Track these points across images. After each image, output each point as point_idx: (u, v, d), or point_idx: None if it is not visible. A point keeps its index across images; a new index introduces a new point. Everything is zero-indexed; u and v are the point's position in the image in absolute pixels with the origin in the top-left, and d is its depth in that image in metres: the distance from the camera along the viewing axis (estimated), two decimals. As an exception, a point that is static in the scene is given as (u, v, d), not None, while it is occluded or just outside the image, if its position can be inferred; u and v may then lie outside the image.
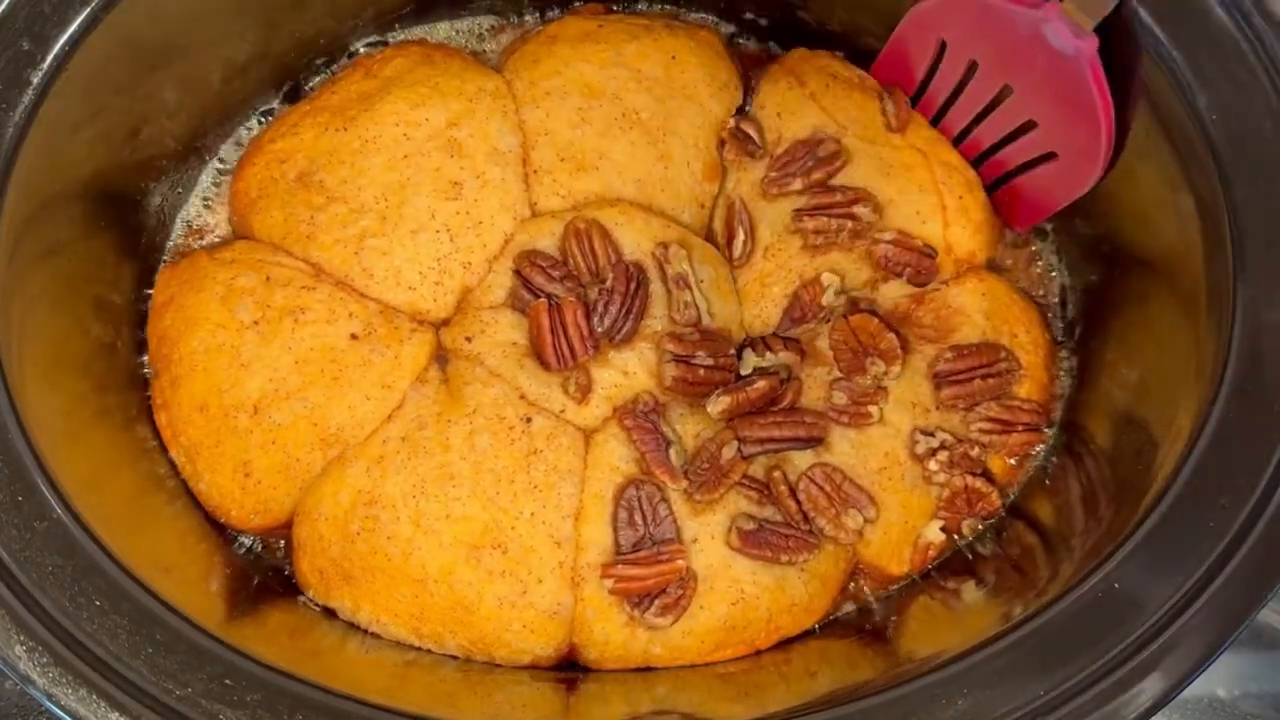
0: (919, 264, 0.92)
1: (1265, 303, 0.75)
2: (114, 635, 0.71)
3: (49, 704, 0.68)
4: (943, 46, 0.91)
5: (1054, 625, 0.72)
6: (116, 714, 0.68)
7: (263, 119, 0.99)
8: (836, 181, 0.94)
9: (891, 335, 0.90)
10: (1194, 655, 0.70)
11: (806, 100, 0.97)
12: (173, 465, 0.89)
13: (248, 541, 0.90)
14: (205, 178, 0.98)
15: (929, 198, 0.94)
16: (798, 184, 0.94)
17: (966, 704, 0.71)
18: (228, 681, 0.71)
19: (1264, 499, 0.72)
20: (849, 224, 0.92)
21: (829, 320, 0.92)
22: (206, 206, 0.97)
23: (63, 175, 0.83)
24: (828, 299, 0.91)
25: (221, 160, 0.98)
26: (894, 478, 0.88)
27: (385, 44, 1.01)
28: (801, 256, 0.93)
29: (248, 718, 0.70)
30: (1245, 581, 0.70)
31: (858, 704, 0.72)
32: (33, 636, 0.69)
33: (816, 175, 0.94)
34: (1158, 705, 0.69)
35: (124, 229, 0.91)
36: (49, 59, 0.79)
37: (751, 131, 0.96)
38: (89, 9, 0.80)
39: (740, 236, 0.94)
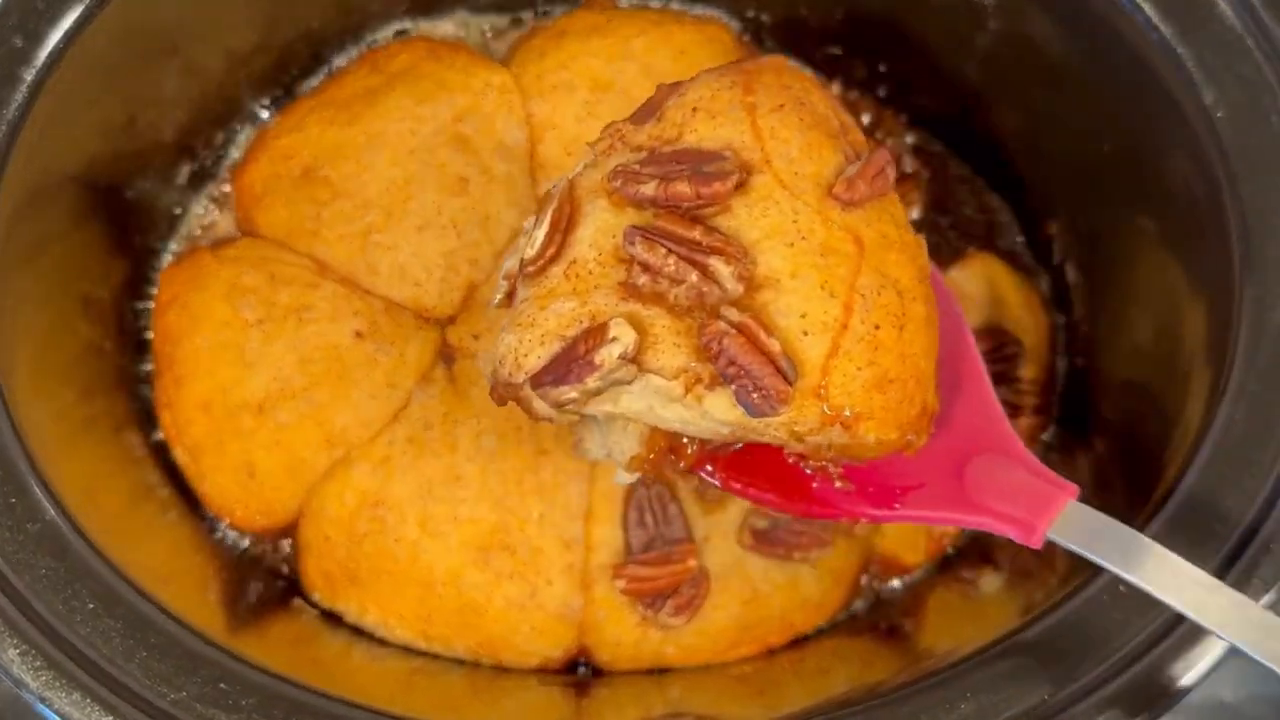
0: (761, 380, 0.60)
1: (1271, 301, 0.74)
2: (107, 638, 0.70)
3: (42, 708, 0.68)
4: None
5: (1060, 628, 0.71)
6: (110, 718, 0.68)
7: (268, 112, 0.98)
8: (714, 220, 0.63)
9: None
10: (1201, 658, 0.69)
11: (739, 109, 0.66)
12: (164, 473, 0.88)
13: (244, 545, 0.89)
14: (208, 174, 0.96)
15: (831, 305, 0.62)
16: (649, 188, 0.63)
17: (970, 708, 0.70)
18: (222, 686, 0.70)
19: (1271, 498, 0.71)
20: (694, 276, 0.61)
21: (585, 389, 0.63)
22: (210, 203, 0.96)
23: (56, 171, 0.82)
24: (605, 360, 0.61)
25: (225, 156, 0.97)
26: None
27: (391, 37, 1.00)
28: (610, 294, 0.62)
29: (243, 722, 0.70)
30: (1252, 581, 0.69)
31: (856, 707, 0.71)
32: (26, 640, 0.68)
33: (679, 188, 0.62)
34: (1164, 709, 0.68)
35: (116, 224, 0.90)
36: (42, 55, 0.78)
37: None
38: (83, 4, 0.79)
39: (543, 229, 0.65)
